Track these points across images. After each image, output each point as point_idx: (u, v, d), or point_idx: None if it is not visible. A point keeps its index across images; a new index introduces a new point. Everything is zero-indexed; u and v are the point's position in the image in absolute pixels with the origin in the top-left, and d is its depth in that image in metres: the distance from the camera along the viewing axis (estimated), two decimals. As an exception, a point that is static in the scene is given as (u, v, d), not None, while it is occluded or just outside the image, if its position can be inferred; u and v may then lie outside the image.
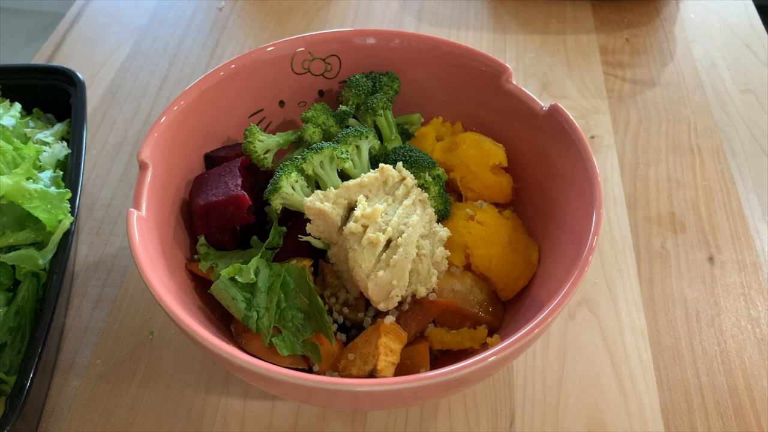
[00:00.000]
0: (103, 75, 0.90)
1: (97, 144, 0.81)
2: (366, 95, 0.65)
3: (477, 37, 0.96)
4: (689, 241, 0.71)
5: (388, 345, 0.51)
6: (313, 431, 0.57)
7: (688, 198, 0.75)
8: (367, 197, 0.56)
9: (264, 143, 0.62)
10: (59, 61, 0.91)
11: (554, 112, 0.58)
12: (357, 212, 0.54)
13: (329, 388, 0.43)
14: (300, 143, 0.64)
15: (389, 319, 0.54)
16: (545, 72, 0.90)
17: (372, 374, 0.49)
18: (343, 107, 0.64)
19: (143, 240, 0.52)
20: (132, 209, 0.53)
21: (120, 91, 0.87)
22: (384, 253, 0.53)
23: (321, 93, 0.69)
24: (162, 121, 0.59)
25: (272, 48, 0.65)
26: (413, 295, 0.55)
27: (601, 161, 0.78)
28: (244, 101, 0.66)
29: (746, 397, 0.59)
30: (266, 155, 0.62)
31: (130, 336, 0.63)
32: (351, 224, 0.53)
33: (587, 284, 0.67)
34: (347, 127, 0.63)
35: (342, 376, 0.52)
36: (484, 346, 0.55)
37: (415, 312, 0.55)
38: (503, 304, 0.59)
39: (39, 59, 0.91)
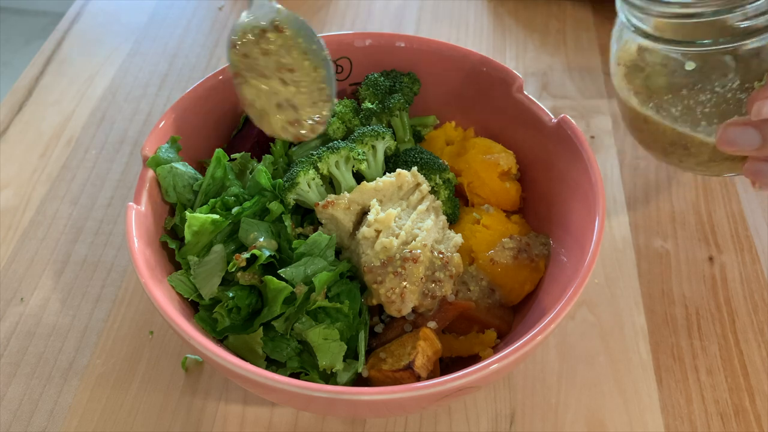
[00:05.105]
0: (103, 75, 0.89)
1: (97, 144, 0.81)
2: (383, 94, 0.64)
3: (477, 36, 0.96)
4: (689, 241, 0.70)
5: (426, 349, 0.51)
6: (312, 431, 0.57)
7: (688, 197, 0.75)
8: (381, 202, 0.55)
9: None
10: (59, 61, 0.91)
11: (563, 125, 0.59)
12: (370, 217, 0.53)
13: (328, 396, 0.43)
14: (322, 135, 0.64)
15: (432, 324, 0.53)
16: (545, 72, 0.90)
17: (409, 366, 0.49)
18: (368, 104, 0.63)
19: (141, 235, 0.51)
20: (131, 203, 0.52)
21: (120, 91, 0.87)
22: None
23: None
24: (168, 115, 0.59)
25: None
26: (431, 298, 0.54)
27: (602, 161, 0.78)
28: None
29: (746, 396, 0.59)
30: None
31: (130, 336, 0.63)
32: (364, 229, 0.53)
33: (587, 284, 0.67)
34: (366, 125, 0.63)
35: (371, 373, 0.52)
36: (494, 350, 0.55)
37: (433, 314, 0.54)
38: (512, 309, 0.59)
39: (39, 59, 0.91)
